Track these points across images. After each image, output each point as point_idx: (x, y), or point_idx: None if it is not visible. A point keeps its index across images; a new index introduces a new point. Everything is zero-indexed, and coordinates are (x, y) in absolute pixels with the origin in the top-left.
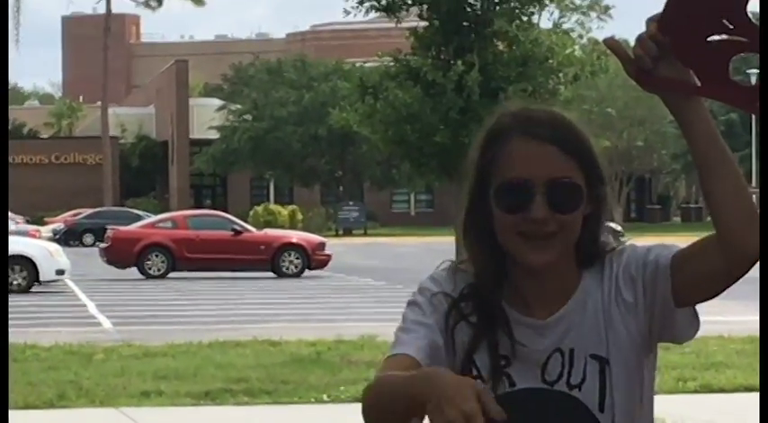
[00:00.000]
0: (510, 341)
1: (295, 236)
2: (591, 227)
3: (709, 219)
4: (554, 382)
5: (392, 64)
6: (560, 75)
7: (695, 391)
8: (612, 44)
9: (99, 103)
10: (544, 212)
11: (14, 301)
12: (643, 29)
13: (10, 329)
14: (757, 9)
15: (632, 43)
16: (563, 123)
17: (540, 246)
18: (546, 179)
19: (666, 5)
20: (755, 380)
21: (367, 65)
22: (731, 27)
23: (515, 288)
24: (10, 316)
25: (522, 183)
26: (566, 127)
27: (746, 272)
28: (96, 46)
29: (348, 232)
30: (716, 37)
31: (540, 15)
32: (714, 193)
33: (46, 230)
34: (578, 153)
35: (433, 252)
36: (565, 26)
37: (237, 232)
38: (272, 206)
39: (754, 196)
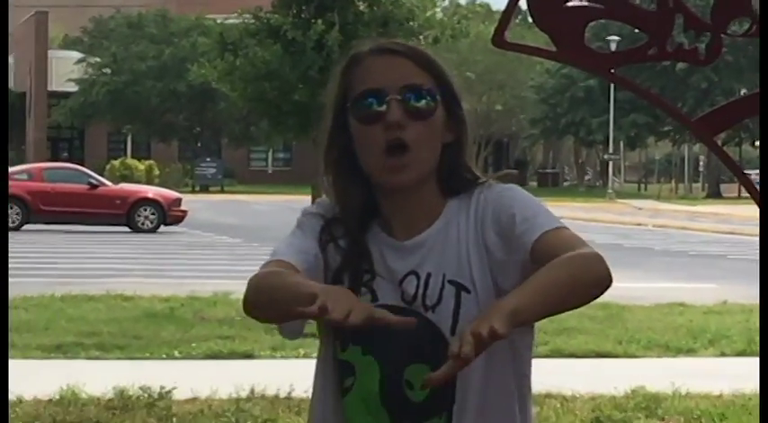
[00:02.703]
0: (372, 259)
1: (151, 191)
2: (453, 154)
3: (566, 184)
4: (411, 302)
5: (252, 21)
6: (421, 37)
7: (547, 356)
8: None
9: None
10: (399, 115)
11: None
12: None
13: None
14: None
15: (494, 6)
16: (418, 47)
17: (398, 162)
18: (400, 85)
19: None
20: (606, 346)
21: (228, 21)
22: None
23: (381, 210)
24: None
25: (377, 90)
26: (421, 49)
27: None
28: None
29: (205, 189)
30: (573, 3)
31: None
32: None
33: None
34: (434, 70)
35: (289, 210)
36: None
37: (93, 186)
38: (129, 161)
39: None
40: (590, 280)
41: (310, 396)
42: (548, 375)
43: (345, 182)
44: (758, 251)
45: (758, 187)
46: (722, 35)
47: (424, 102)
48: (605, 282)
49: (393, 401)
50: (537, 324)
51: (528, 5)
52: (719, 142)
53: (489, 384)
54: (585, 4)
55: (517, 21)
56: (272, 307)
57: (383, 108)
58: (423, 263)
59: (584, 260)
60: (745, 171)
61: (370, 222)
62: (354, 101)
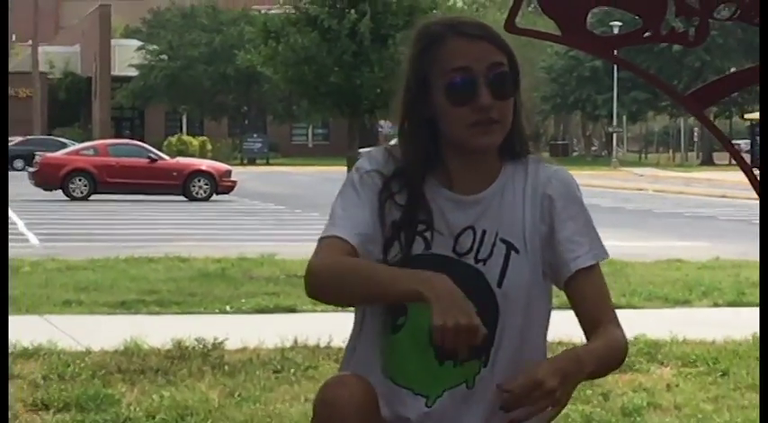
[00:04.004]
0: (431, 209)
1: (204, 164)
2: (514, 118)
3: (574, 154)
4: (463, 254)
5: (293, 11)
6: None
7: (558, 308)
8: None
9: (30, 42)
10: (489, 100)
11: None
12: None
13: None
14: None
15: None
16: (488, 25)
17: (485, 131)
18: (485, 68)
19: None
20: (613, 298)
21: (271, 12)
22: None
23: (444, 167)
24: None
25: (466, 75)
26: (491, 27)
27: None
28: None
29: (252, 161)
30: None
31: None
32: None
33: None
34: (505, 48)
35: (327, 180)
36: None
37: (153, 160)
38: (185, 137)
39: None
40: (618, 364)
41: (349, 337)
42: (559, 325)
43: (419, 142)
44: (748, 213)
45: (758, 176)
46: (709, 20)
47: (506, 84)
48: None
49: None
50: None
51: None
52: (712, 115)
53: (527, 328)
54: None
55: (530, 8)
56: (352, 294)
57: (474, 93)
58: (480, 219)
59: (622, 351)
60: (734, 141)
61: (427, 177)
62: (447, 87)
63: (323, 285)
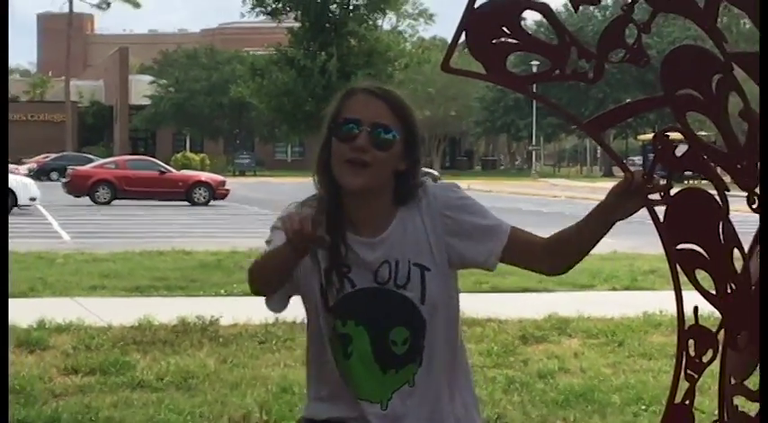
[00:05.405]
0: (347, 254)
1: (204, 175)
2: (406, 179)
3: (501, 167)
4: (384, 282)
5: (275, 53)
6: (395, 63)
7: (487, 292)
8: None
9: (64, 77)
10: (364, 143)
11: None
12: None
13: None
14: (536, 18)
15: (449, 40)
16: (396, 94)
17: (357, 172)
18: (372, 121)
19: (463, 17)
20: (530, 283)
21: (258, 53)
22: (508, 32)
23: (349, 217)
24: None
25: (354, 120)
26: (397, 96)
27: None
28: (62, 35)
29: (242, 173)
30: (497, 40)
31: (382, 20)
32: (582, 247)
33: (23, 169)
34: (402, 116)
35: (303, 188)
36: (399, 28)
37: (162, 172)
38: (188, 154)
39: None
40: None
41: (308, 362)
42: (488, 305)
43: (327, 182)
44: (640, 215)
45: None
46: (605, 62)
47: (386, 137)
48: None
49: (382, 356)
50: (474, 275)
51: (466, 41)
52: (612, 136)
53: (447, 328)
54: (506, 40)
55: (466, 51)
56: (267, 274)
57: (355, 134)
58: (390, 252)
59: None
60: (630, 157)
61: (342, 225)
62: (337, 124)
63: (251, 277)
